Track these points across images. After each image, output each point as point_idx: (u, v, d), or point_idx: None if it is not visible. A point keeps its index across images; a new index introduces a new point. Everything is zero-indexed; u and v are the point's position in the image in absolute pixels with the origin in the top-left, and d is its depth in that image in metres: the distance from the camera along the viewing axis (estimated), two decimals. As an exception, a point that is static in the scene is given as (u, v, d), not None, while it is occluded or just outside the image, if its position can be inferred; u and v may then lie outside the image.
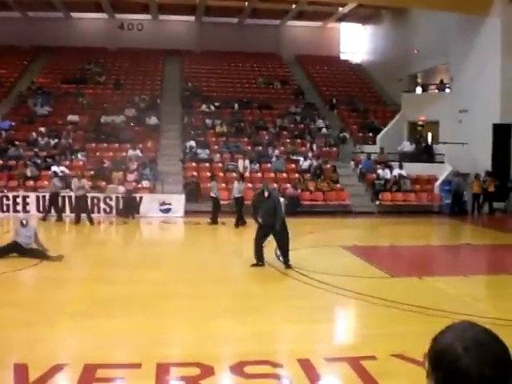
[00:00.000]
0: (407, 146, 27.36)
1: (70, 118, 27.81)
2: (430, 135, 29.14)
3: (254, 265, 11.91)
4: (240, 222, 18.82)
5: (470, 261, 14.34)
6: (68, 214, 20.51)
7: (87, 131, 27.24)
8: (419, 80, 33.26)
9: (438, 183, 24.54)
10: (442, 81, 29.43)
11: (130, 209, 20.95)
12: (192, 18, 38.41)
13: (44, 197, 20.86)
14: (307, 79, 36.86)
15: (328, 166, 25.27)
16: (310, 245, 14.79)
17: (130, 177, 23.09)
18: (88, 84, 32.23)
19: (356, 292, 9.77)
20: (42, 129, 26.51)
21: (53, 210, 20.16)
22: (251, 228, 17.96)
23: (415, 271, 12.09)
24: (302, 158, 25.82)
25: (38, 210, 20.80)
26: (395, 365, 6.39)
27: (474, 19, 24.84)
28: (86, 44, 35.92)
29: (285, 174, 24.78)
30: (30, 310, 8.51)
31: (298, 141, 28.12)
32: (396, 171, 24.85)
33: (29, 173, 22.72)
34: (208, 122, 28.77)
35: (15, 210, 20.58)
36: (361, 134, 30.04)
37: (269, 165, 25.22)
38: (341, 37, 41.70)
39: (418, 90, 32.03)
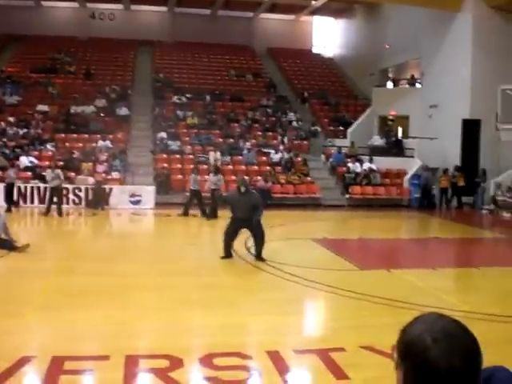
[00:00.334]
0: (377, 140, 27.55)
1: (40, 107, 27.43)
2: (400, 130, 29.38)
3: (223, 257, 11.90)
4: (212, 215, 18.74)
5: (438, 254, 14.50)
6: (36, 205, 20.30)
7: (57, 121, 26.89)
8: (390, 75, 33.47)
9: (407, 177, 24.78)
10: (412, 76, 29.70)
11: (99, 200, 20.77)
12: (164, 9, 38.17)
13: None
14: (279, 72, 36.88)
15: (299, 159, 25.35)
16: (281, 237, 14.82)
17: (100, 168, 22.88)
18: (58, 73, 31.75)
19: (326, 284, 9.82)
20: (11, 118, 26.09)
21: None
22: (223, 220, 18.00)
23: (384, 264, 12.19)
24: (273, 151, 25.86)
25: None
26: (364, 356, 6.44)
27: (445, 15, 25.07)
28: (57, 33, 35.40)
29: (256, 167, 24.80)
30: (-4, 301, 8.39)
31: (270, 134, 28.13)
32: (366, 165, 25.03)
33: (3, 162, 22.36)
34: (179, 113, 28.63)
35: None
36: (332, 128, 30.15)
37: (240, 157, 25.21)
38: (313, 30, 41.77)
39: (389, 84, 32.25)
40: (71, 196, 20.91)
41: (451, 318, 1.57)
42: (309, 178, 24.35)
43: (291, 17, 40.00)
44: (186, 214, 19.33)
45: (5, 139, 24.10)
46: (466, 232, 18.54)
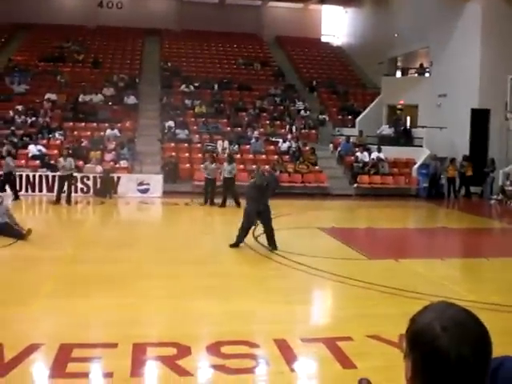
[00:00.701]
0: (386, 130, 27.45)
1: (48, 96, 27.41)
2: (408, 119, 29.24)
3: (232, 245, 11.91)
4: (223, 203, 18.89)
5: (445, 244, 14.48)
6: (45, 194, 20.38)
7: (65, 110, 26.91)
8: (399, 64, 33.29)
9: (415, 167, 24.69)
10: (421, 65, 29.50)
11: (107, 189, 20.80)
12: (172, -3, 38.07)
13: (20, 176, 20.67)
14: (288, 61, 36.71)
15: (307, 148, 25.27)
16: (288, 226, 14.80)
17: (108, 156, 22.92)
18: (66, 62, 31.75)
19: (333, 273, 9.82)
20: (19, 107, 26.10)
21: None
22: (230, 210, 18.04)
23: (392, 253, 12.16)
24: (281, 140, 25.80)
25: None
26: (371, 345, 6.45)
27: (454, 4, 24.90)
28: (65, 22, 35.26)
29: (264, 156, 24.75)
30: (4, 289, 8.44)
31: (278, 122, 28.04)
32: (374, 154, 24.94)
33: (5, 152, 22.41)
34: (187, 102, 28.58)
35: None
36: (340, 117, 30.05)
37: (248, 146, 25.16)
38: (322, 19, 41.52)
39: (398, 73, 32.09)
40: (79, 184, 20.92)
41: (461, 307, 1.56)
42: (317, 167, 24.29)
43: (300, 5, 39.77)
44: (206, 202, 19.51)
45: (13, 128, 24.12)
46: (474, 222, 18.47)
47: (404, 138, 26.41)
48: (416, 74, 29.92)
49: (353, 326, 7.17)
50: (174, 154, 23.90)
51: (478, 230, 16.66)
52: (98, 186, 21.01)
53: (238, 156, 24.10)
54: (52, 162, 21.55)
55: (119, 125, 25.56)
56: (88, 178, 21.11)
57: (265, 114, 28.74)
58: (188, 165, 23.46)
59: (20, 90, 28.23)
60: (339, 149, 26.00)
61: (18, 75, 29.15)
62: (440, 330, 1.47)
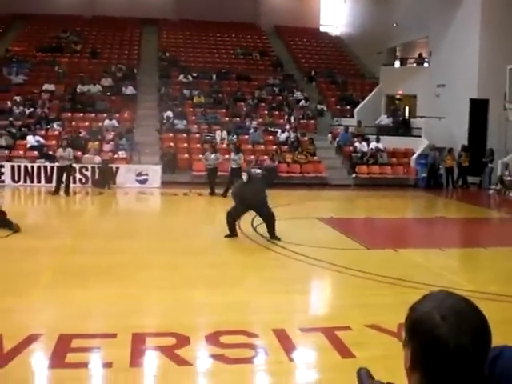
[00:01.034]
0: (385, 120, 27.43)
1: (46, 86, 27.34)
2: (407, 109, 29.21)
3: (227, 235, 11.92)
4: (224, 193, 18.85)
5: (444, 234, 14.49)
6: (43, 185, 20.37)
7: (63, 100, 26.83)
8: (398, 54, 33.23)
9: (414, 157, 24.69)
10: (420, 55, 29.44)
11: (106, 179, 20.79)
12: (170, -14, 37.88)
13: (19, 167, 20.66)
14: (286, 51, 36.62)
15: (305, 138, 25.24)
16: (287, 216, 14.79)
17: (107, 147, 22.89)
18: (64, 53, 31.66)
19: (332, 263, 9.83)
20: (17, 98, 26.01)
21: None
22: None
23: (390, 243, 12.17)
24: (279, 130, 25.77)
25: (13, 180, 20.62)
26: (370, 335, 6.47)
27: (453, -7, 24.82)
28: (62, 12, 35.08)
29: (262, 146, 24.73)
30: (3, 280, 8.43)
31: (276, 113, 28.01)
32: (373, 144, 24.93)
33: (3, 142, 22.39)
34: (185, 92, 28.52)
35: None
36: (339, 107, 30.00)
37: (246, 136, 25.13)
38: (321, 8, 41.38)
39: (397, 63, 32.02)
40: (78, 175, 20.90)
41: (461, 296, 1.55)
42: (315, 158, 24.28)
43: (298, -5, 39.65)
44: (212, 191, 19.60)
45: (11, 118, 24.05)
46: (472, 212, 18.49)
47: (403, 128, 26.39)
48: (415, 64, 29.84)
49: (351, 315, 7.19)
50: (172, 144, 23.86)
51: (476, 220, 16.67)
52: (97, 176, 21.00)
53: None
54: (50, 152, 21.52)
55: (117, 115, 25.51)
56: (86, 169, 21.10)
57: (263, 104, 28.69)
58: (186, 155, 23.44)
59: (18, 80, 28.15)
60: (338, 139, 25.97)
61: (16, 66, 29.07)
62: (439, 319, 1.47)
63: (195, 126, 25.74)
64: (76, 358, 5.70)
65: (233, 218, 12.03)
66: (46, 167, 20.77)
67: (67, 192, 18.63)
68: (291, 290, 8.36)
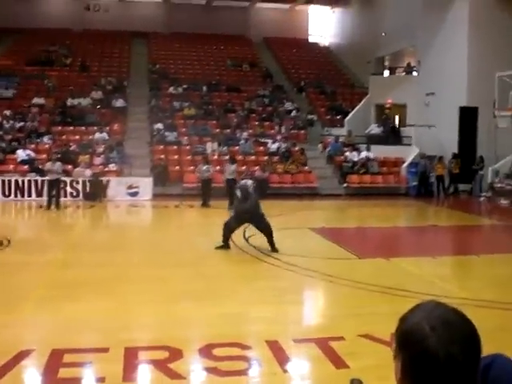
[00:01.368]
0: (375, 129, 27.53)
1: (36, 100, 27.32)
2: (397, 118, 29.33)
3: (218, 247, 11.86)
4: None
5: (436, 242, 14.50)
6: (34, 199, 20.29)
7: (53, 114, 26.79)
8: (387, 63, 33.39)
9: (404, 165, 24.78)
10: (409, 64, 29.61)
11: (97, 192, 20.75)
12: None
13: (9, 181, 20.59)
14: (276, 62, 36.78)
15: (296, 148, 25.31)
16: (279, 227, 14.75)
17: (97, 160, 22.85)
18: (53, 66, 31.64)
19: (324, 273, 9.82)
20: (7, 112, 25.98)
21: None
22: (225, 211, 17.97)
23: (382, 252, 12.17)
24: (270, 141, 25.83)
25: (4, 195, 20.53)
26: (363, 345, 6.45)
27: (441, 2, 25.02)
28: (52, 25, 35.18)
29: (253, 157, 24.75)
30: (-6, 295, 8.38)
31: (267, 123, 28.09)
32: (363, 154, 25.00)
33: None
34: (176, 104, 28.53)
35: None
36: (329, 117, 30.11)
37: (237, 147, 25.15)
38: (309, 19, 41.62)
39: (386, 72, 32.17)
40: (69, 189, 20.83)
41: (449, 306, 1.55)
42: (306, 168, 24.33)
43: (286, 6, 39.84)
44: (205, 203, 19.56)
45: (1, 133, 24.01)
46: (463, 219, 18.55)
47: (393, 137, 26.48)
48: (404, 73, 30.02)
49: (344, 325, 7.18)
50: (163, 156, 23.85)
51: (467, 228, 16.72)
52: (88, 189, 20.95)
53: (227, 157, 24.02)
54: (41, 166, 21.44)
55: (108, 128, 25.48)
56: (77, 182, 21.03)
57: (254, 115, 28.76)
58: (177, 167, 23.43)
59: (7, 94, 28.10)
60: (328, 149, 26.03)
61: (5, 80, 29.02)
62: (429, 329, 1.46)
63: (186, 137, 25.76)
64: (68, 373, 5.66)
65: (229, 229, 11.99)
66: (36, 181, 20.70)
67: (58, 206, 18.55)
68: (284, 301, 8.34)
